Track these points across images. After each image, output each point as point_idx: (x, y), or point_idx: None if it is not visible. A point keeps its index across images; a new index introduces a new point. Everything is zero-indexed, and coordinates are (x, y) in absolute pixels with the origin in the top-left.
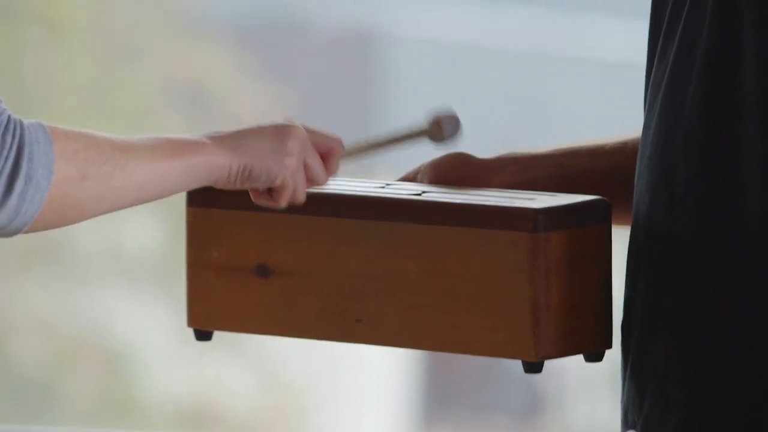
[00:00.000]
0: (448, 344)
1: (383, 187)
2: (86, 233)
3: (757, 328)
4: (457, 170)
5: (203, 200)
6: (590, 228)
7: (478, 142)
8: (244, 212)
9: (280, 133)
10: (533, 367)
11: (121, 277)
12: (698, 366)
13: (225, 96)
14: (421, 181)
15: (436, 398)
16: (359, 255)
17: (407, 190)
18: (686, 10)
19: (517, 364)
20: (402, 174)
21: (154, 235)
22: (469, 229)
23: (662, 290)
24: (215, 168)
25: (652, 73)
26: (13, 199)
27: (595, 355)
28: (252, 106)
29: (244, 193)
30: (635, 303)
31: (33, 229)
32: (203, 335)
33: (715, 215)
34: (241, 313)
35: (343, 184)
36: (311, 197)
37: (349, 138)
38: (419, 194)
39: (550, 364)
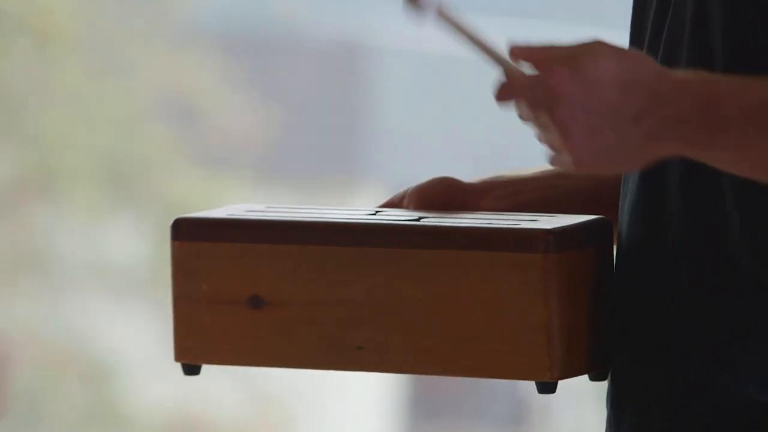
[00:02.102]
0: (458, 369)
1: (374, 214)
2: (72, 245)
3: (743, 347)
4: (444, 194)
5: (190, 234)
6: (595, 247)
7: (467, 152)
8: (234, 244)
9: None
10: (547, 387)
11: (107, 289)
12: (682, 386)
13: (213, 107)
14: (407, 206)
15: (423, 409)
16: (359, 282)
17: (402, 216)
18: (668, 23)
19: None
20: (386, 199)
21: (138, 245)
22: (477, 253)
23: (646, 310)
24: None
25: None
26: None
27: (601, 373)
28: (239, 117)
29: (233, 225)
30: (623, 321)
31: None
32: (191, 369)
33: (699, 236)
34: (233, 346)
35: (329, 212)
36: (304, 226)
37: (336, 157)
38: (417, 219)
39: None
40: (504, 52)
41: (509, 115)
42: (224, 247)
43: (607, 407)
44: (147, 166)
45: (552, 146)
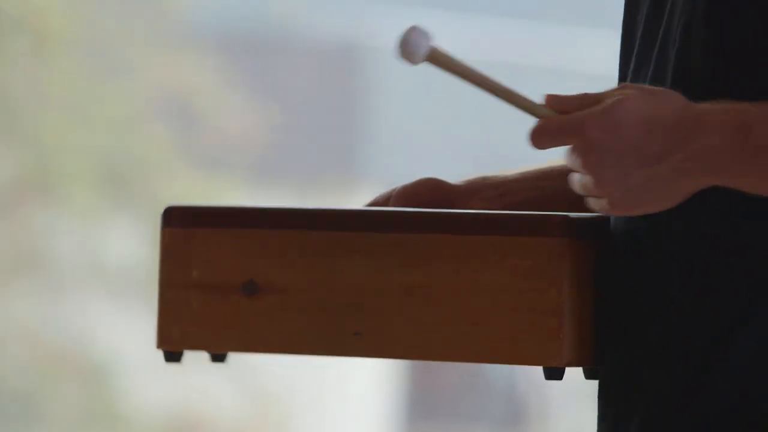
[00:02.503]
0: (464, 355)
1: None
2: (70, 245)
3: (742, 347)
4: (431, 195)
5: (182, 221)
6: (596, 241)
7: (467, 152)
8: (229, 230)
9: None
10: (555, 373)
11: (104, 289)
12: (682, 386)
13: (211, 107)
14: (393, 207)
15: (420, 408)
16: (358, 268)
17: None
18: (661, 33)
19: (500, 374)
20: (370, 200)
21: (136, 246)
22: (488, 237)
23: (645, 310)
24: None
25: None
26: None
27: (596, 371)
28: (238, 118)
29: (227, 212)
30: (621, 321)
31: None
32: (173, 356)
33: (696, 235)
34: (223, 332)
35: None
36: (301, 212)
37: (334, 155)
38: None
39: (532, 374)
40: (504, 84)
41: (509, 115)
42: (218, 233)
43: (599, 406)
44: (145, 167)
45: (586, 190)
